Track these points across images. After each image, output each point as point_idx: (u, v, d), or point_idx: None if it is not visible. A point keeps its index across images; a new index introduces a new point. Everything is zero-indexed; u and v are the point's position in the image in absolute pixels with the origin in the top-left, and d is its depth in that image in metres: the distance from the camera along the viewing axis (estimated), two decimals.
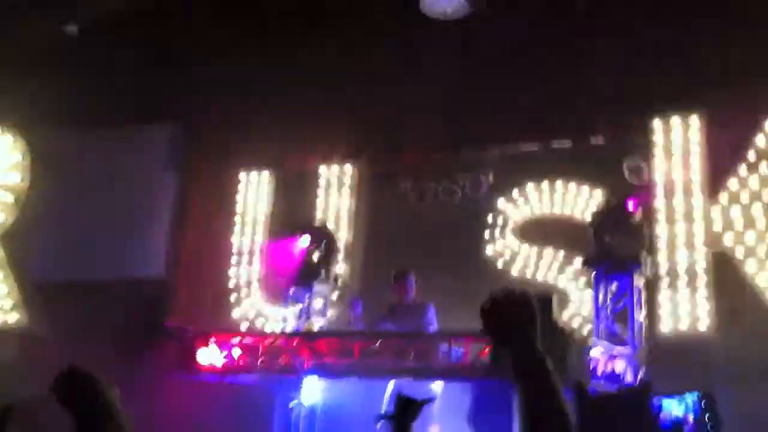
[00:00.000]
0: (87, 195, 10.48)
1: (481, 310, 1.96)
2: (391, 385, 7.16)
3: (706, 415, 1.37)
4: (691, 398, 1.37)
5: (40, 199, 10.50)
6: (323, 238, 8.95)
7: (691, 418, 1.34)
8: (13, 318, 10.13)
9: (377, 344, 7.01)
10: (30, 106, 10.20)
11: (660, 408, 1.37)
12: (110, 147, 10.68)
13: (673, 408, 1.38)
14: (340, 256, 9.49)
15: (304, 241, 8.72)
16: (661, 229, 8.31)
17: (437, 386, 7.13)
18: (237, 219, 10.18)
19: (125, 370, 8.60)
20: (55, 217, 10.45)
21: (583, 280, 8.37)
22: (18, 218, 10.52)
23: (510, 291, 2.09)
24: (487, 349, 6.31)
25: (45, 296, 10.13)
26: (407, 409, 3.09)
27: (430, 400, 3.22)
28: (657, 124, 8.63)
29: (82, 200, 10.46)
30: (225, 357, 7.52)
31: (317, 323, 8.61)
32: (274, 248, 9.17)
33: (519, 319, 2.03)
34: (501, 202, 9.24)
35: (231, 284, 9.92)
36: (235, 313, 9.71)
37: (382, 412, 3.22)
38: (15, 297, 10.18)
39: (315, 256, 8.80)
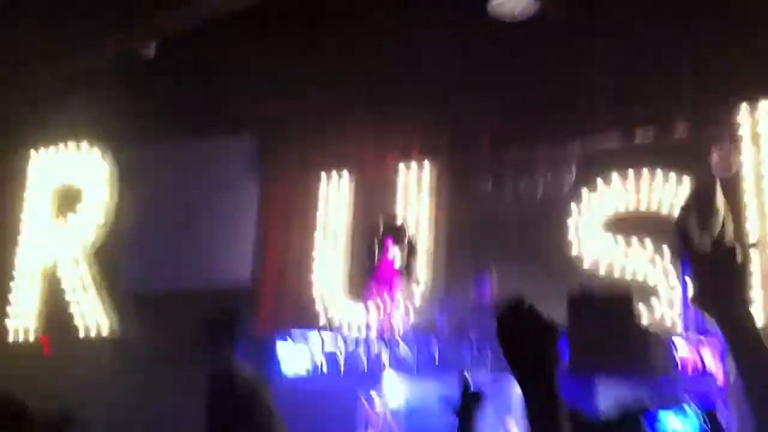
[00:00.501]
0: (171, 207, 10.73)
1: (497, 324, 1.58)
2: None
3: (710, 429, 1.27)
4: (692, 410, 1.28)
5: (127, 213, 10.81)
6: (405, 240, 8.90)
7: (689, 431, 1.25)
8: (105, 329, 10.45)
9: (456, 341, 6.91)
10: (114, 122, 10.53)
11: (655, 421, 1.27)
12: (192, 159, 10.91)
13: (672, 421, 1.29)
14: (422, 257, 9.42)
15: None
16: (750, 222, 7.96)
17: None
18: (319, 220, 10.23)
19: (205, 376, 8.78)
20: (142, 231, 10.74)
21: (673, 274, 8.09)
22: (108, 233, 10.84)
23: (524, 307, 1.62)
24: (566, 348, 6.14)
25: (136, 307, 10.43)
26: (473, 400, 2.94)
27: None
28: (744, 111, 8.26)
29: (168, 213, 10.72)
30: (308, 360, 7.58)
31: (399, 326, 8.57)
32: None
33: (538, 349, 1.59)
34: (585, 196, 9.01)
35: (315, 287, 9.97)
36: (319, 319, 9.75)
37: (445, 403, 3.04)
38: (107, 308, 10.50)
39: (397, 259, 8.76)
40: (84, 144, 11.14)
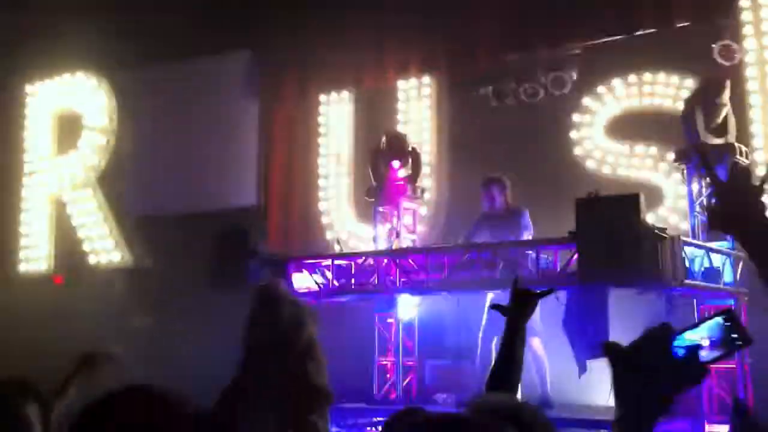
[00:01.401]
0: (172, 129, 10.68)
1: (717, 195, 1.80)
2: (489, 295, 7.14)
3: (729, 334, 1.28)
4: (709, 322, 1.29)
5: (129, 137, 10.77)
6: (408, 153, 8.86)
7: (706, 342, 1.26)
8: (116, 256, 10.54)
9: (465, 257, 6.95)
10: (108, 47, 10.38)
11: (675, 340, 1.29)
12: (191, 80, 10.80)
13: (690, 336, 1.30)
14: (426, 169, 9.42)
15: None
16: (755, 113, 7.87)
17: None
18: (321, 140, 10.20)
19: (223, 298, 8.93)
20: (145, 154, 10.72)
21: (677, 175, 8.05)
22: (111, 159, 10.83)
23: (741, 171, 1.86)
24: (575, 255, 6.19)
25: (143, 232, 10.50)
26: (526, 300, 2.83)
27: (547, 292, 2.97)
28: (745, 1, 8.09)
29: (169, 135, 10.68)
30: (319, 279, 7.65)
31: (407, 241, 8.62)
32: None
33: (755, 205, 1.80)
34: (587, 100, 8.92)
35: (321, 206, 10.01)
36: (327, 235, 9.81)
37: (496, 303, 2.95)
38: (116, 236, 10.57)
39: (401, 173, 8.75)
40: (81, 71, 11.00)
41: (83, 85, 11.04)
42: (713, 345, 1.46)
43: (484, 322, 7.29)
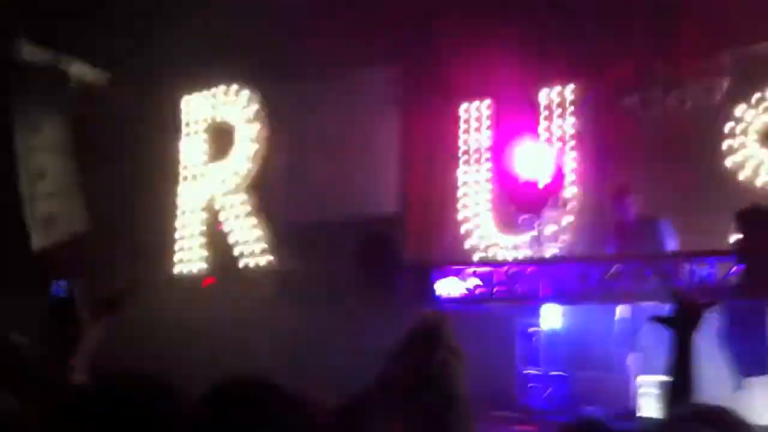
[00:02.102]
0: (319, 139, 11.02)
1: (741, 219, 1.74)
2: (619, 309, 7.07)
3: None
4: None
5: (278, 147, 11.20)
6: (551, 164, 8.84)
7: None
8: (265, 260, 10.96)
9: (613, 268, 6.89)
10: (261, 61, 10.85)
11: None
12: (337, 91, 11.10)
13: None
14: (569, 179, 9.37)
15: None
16: None
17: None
18: (462, 148, 10.28)
19: (370, 303, 9.13)
20: (293, 164, 11.11)
21: None
22: (261, 167, 11.28)
23: None
24: (735, 267, 6.04)
25: (291, 238, 10.86)
26: (691, 311, 2.71)
27: (713, 303, 2.86)
28: None
29: (315, 145, 11.03)
30: (462, 287, 7.73)
31: (550, 250, 8.59)
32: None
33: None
34: (739, 109, 8.65)
35: (462, 215, 10.09)
36: (468, 244, 9.88)
37: (658, 315, 2.82)
38: (265, 241, 10.99)
39: (542, 183, 8.73)
40: (235, 83, 11.52)
41: (237, 97, 11.56)
42: None
43: (617, 334, 7.24)
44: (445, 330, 2.25)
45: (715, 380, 6.67)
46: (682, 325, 2.76)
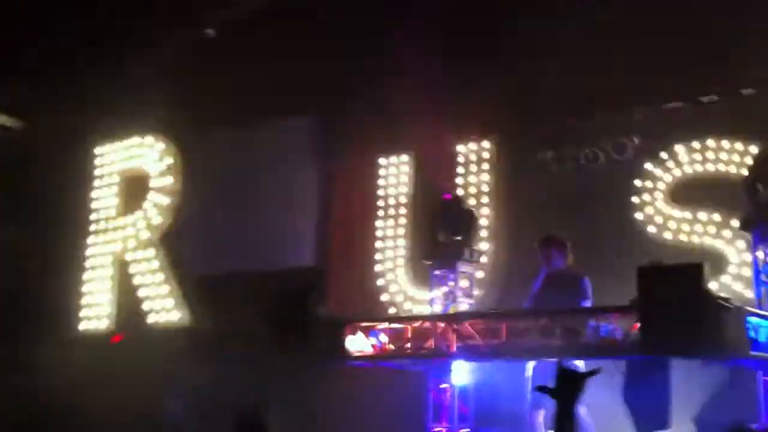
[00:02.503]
0: (235, 190, 10.86)
1: None
2: (529, 365, 7.04)
3: None
4: None
5: (192, 198, 10.98)
6: (464, 216, 8.83)
7: None
8: (175, 316, 10.67)
9: (522, 323, 6.82)
10: (176, 111, 10.69)
11: None
12: (254, 142, 11.01)
13: None
14: (484, 233, 9.38)
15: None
16: None
17: (581, 363, 6.94)
18: (380, 203, 10.25)
19: (283, 359, 8.92)
20: (207, 215, 10.91)
21: (742, 242, 7.85)
22: (174, 219, 11.04)
23: None
24: (637, 324, 6.03)
25: (203, 292, 10.62)
26: (572, 382, 2.86)
27: (594, 372, 2.96)
28: None
29: (232, 196, 10.86)
30: (373, 343, 7.57)
31: (463, 305, 8.53)
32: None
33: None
34: (649, 165, 8.82)
35: (377, 269, 10.00)
36: (383, 297, 9.78)
37: (542, 386, 2.95)
38: (176, 296, 10.71)
39: (458, 236, 8.71)
40: (148, 133, 11.31)
41: (151, 147, 11.35)
42: None
43: (529, 394, 7.19)
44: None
45: None
46: (563, 395, 2.83)
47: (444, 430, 8.03)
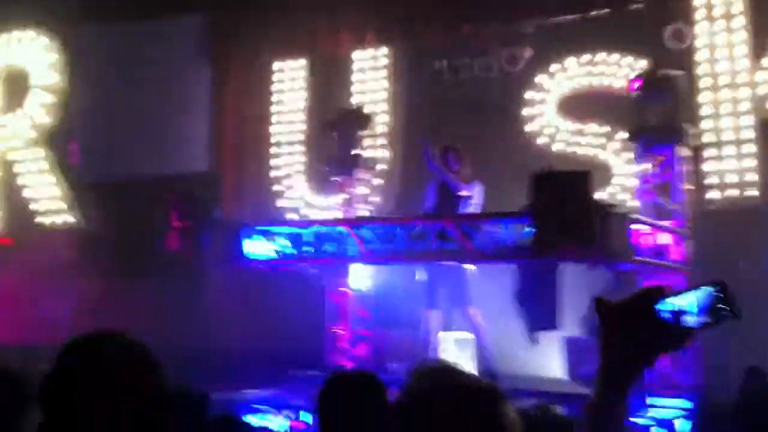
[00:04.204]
0: (124, 91, 10.49)
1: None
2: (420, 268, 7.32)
3: (718, 305, 1.28)
4: (699, 291, 1.31)
5: (79, 98, 10.56)
6: (362, 123, 8.91)
7: (695, 308, 1.28)
8: (67, 218, 10.38)
9: (419, 228, 7.03)
10: (61, 4, 10.16)
11: (661, 305, 1.29)
12: (144, 41, 10.62)
13: (677, 301, 1.32)
14: (380, 140, 9.49)
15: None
16: (704, 96, 8.10)
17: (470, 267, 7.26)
18: (275, 108, 10.16)
19: (176, 262, 8.89)
20: (95, 116, 10.53)
21: (627, 154, 8.24)
22: (60, 119, 10.61)
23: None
24: (527, 228, 6.32)
25: (95, 196, 10.36)
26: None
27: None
28: None
29: (120, 97, 10.49)
30: (271, 246, 7.65)
31: (361, 211, 8.69)
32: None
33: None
34: (540, 77, 9.05)
35: (273, 174, 10.00)
36: (280, 203, 9.82)
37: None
38: (67, 199, 10.40)
39: (355, 145, 8.80)
40: (31, 27, 10.72)
41: (33, 42, 10.77)
42: (701, 313, 1.51)
43: (422, 294, 7.48)
44: None
45: (516, 337, 7.06)
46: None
47: (343, 331, 8.28)
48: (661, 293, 1.53)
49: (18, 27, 10.80)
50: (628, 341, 1.53)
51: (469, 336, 7.40)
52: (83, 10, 10.27)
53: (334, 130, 8.81)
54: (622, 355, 1.54)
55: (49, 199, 10.46)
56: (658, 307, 1.51)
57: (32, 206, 10.50)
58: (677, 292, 1.51)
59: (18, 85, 10.84)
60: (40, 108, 10.61)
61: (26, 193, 10.54)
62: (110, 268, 9.68)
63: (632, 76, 8.32)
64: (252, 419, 6.38)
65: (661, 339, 1.52)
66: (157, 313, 8.86)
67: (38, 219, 10.46)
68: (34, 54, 10.74)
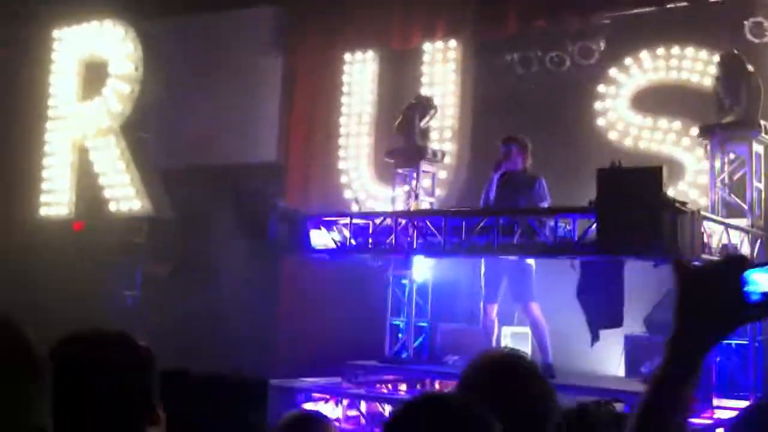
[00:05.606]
0: (197, 81, 10.67)
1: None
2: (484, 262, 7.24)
3: None
4: None
5: (153, 88, 10.78)
6: (429, 115, 8.86)
7: None
8: (137, 205, 10.61)
9: (483, 222, 6.96)
10: None
11: (747, 281, 1.22)
12: (217, 32, 10.79)
13: (760, 276, 1.25)
14: (447, 133, 9.44)
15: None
16: None
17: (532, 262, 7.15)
18: (344, 100, 10.20)
19: (244, 251, 9.02)
20: (169, 106, 10.74)
21: (700, 150, 8.00)
22: (135, 108, 10.86)
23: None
24: (594, 225, 6.20)
25: (165, 183, 10.58)
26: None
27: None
28: None
29: (193, 87, 10.68)
30: (336, 237, 7.69)
31: (425, 203, 8.65)
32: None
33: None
34: (613, 71, 8.86)
35: (340, 166, 10.03)
36: (346, 194, 9.85)
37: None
38: (137, 185, 10.63)
39: (422, 135, 8.76)
40: (109, 19, 11.00)
41: (110, 33, 11.05)
42: None
43: (483, 288, 7.40)
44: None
45: (575, 333, 6.94)
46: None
47: (402, 323, 8.27)
48: (745, 263, 1.46)
49: (96, 18, 11.08)
50: (709, 309, 1.47)
51: (526, 330, 7.31)
52: (157, 3, 10.49)
53: (402, 122, 8.78)
54: (701, 322, 1.48)
55: (121, 186, 10.70)
56: (747, 289, 1.45)
57: (105, 193, 10.76)
58: (761, 263, 1.45)
59: (97, 74, 11.12)
60: (116, 97, 10.87)
61: (100, 180, 10.80)
62: (175, 256, 9.87)
63: (707, 70, 8.11)
64: (309, 406, 6.42)
65: (744, 310, 1.45)
66: (219, 302, 9.02)
67: (110, 205, 10.72)
68: (112, 45, 11.01)
